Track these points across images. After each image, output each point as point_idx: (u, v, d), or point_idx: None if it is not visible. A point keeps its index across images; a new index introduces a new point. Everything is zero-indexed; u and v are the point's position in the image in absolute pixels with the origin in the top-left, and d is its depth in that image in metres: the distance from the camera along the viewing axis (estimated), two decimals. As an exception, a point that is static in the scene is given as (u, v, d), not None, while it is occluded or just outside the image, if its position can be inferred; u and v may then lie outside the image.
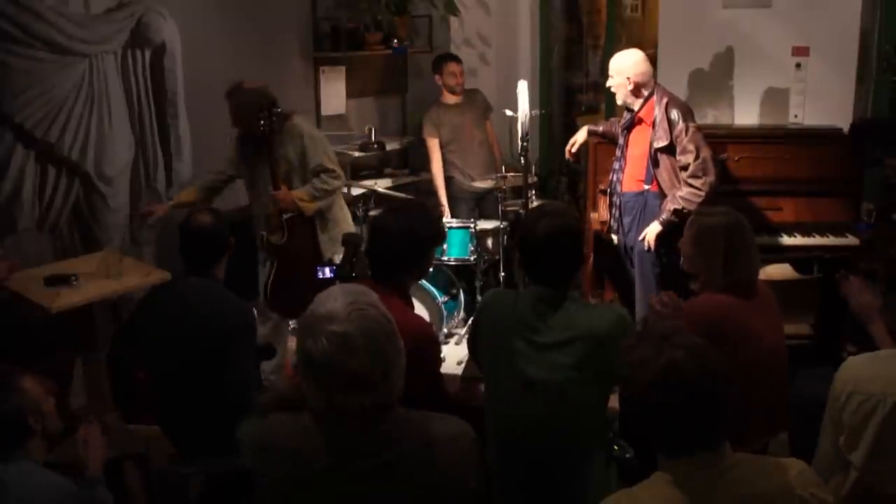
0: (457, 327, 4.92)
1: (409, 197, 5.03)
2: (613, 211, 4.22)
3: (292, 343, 4.10)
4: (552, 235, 2.44)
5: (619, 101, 4.15)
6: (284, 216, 3.98)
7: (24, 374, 2.29)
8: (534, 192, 4.97)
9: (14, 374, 2.27)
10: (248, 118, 3.88)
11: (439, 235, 2.71)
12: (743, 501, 1.64)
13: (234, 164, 4.13)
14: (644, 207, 4.09)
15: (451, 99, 5.42)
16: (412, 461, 1.71)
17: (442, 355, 3.23)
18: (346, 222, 4.29)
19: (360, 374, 1.62)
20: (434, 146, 5.43)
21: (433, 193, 5.57)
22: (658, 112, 3.96)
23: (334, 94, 5.58)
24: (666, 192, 3.97)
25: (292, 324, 4.37)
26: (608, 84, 4.15)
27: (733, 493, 1.64)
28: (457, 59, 5.44)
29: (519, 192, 4.82)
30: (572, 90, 6.86)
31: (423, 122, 5.50)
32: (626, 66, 4.04)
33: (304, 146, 3.98)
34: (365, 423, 1.68)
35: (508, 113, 4.67)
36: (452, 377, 3.42)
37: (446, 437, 1.77)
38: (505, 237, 4.89)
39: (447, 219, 5.26)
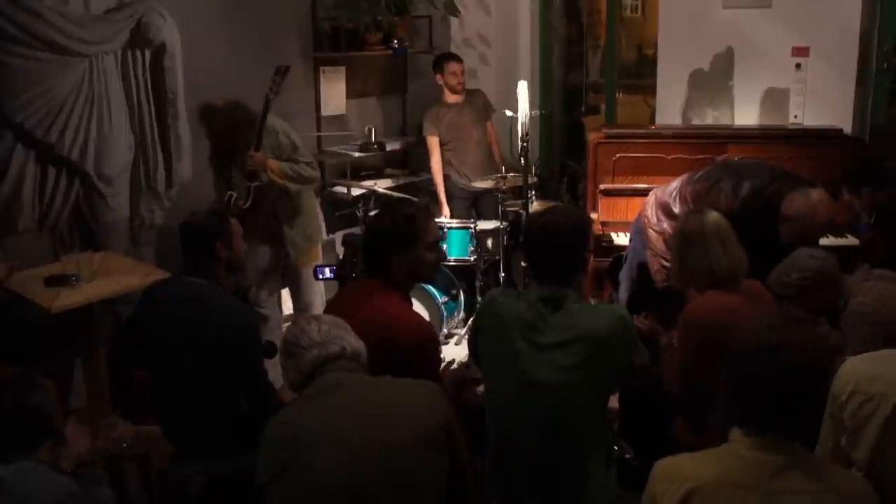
0: (457, 327, 4.92)
1: (399, 195, 5.03)
2: None
3: None
4: (555, 235, 2.44)
5: None
6: (252, 184, 3.97)
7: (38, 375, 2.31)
8: (534, 192, 4.96)
9: (34, 374, 2.29)
10: (242, 131, 3.90)
11: (400, 237, 2.57)
12: (799, 494, 1.65)
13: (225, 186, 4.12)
14: None
15: (451, 98, 5.42)
16: (375, 403, 1.99)
17: (442, 356, 3.23)
18: (315, 219, 4.38)
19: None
20: (434, 144, 5.44)
21: (432, 193, 5.58)
22: None
23: (334, 94, 5.58)
24: None
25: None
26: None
27: (793, 483, 1.66)
28: (457, 59, 5.44)
29: (519, 192, 4.82)
30: (572, 90, 6.86)
31: (423, 121, 5.51)
32: None
33: (280, 142, 4.03)
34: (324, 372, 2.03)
35: (508, 113, 4.67)
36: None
37: (413, 384, 2.07)
38: (505, 237, 4.89)
39: (447, 219, 5.26)
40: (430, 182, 5.69)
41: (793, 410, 1.69)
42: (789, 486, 1.66)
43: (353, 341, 2.09)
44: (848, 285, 2.96)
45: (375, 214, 2.70)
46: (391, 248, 2.56)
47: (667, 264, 3.56)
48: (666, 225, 3.70)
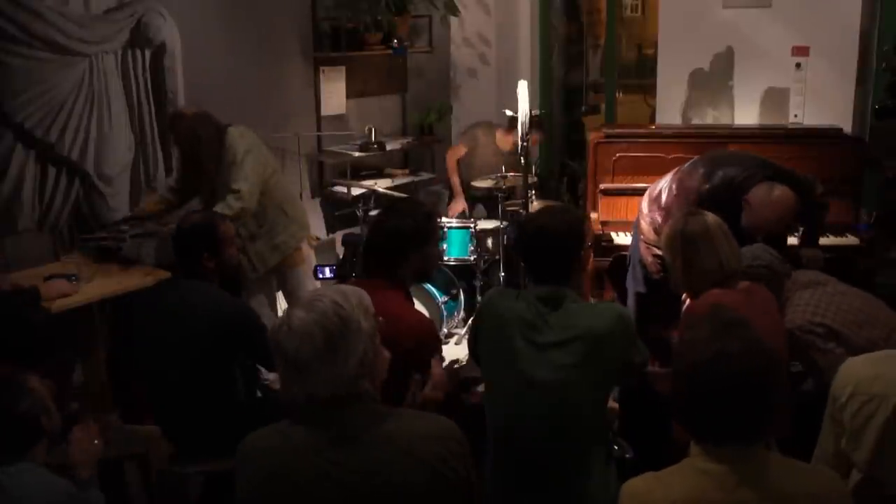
0: (457, 327, 4.91)
1: (404, 195, 5.03)
2: None
3: None
4: (551, 235, 2.45)
5: None
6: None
7: (29, 374, 2.29)
8: (534, 192, 4.96)
9: (22, 375, 2.27)
10: (202, 145, 3.84)
11: (413, 234, 2.60)
12: (767, 500, 1.64)
13: (186, 185, 4.09)
14: None
15: (502, 144, 5.38)
16: (379, 459, 1.72)
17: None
18: (284, 228, 4.15)
19: (292, 356, 1.70)
20: (458, 152, 5.49)
21: (432, 193, 5.57)
22: None
23: (334, 94, 5.58)
24: None
25: None
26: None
27: (760, 490, 1.64)
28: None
29: (519, 192, 4.81)
30: (572, 90, 6.86)
31: (468, 131, 5.52)
32: None
33: (230, 163, 3.86)
34: (319, 416, 1.72)
35: (508, 113, 4.67)
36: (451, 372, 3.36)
37: (422, 436, 1.77)
38: (505, 237, 4.89)
39: (446, 219, 5.26)
40: (431, 181, 5.71)
41: (743, 418, 1.66)
42: (753, 495, 1.64)
43: (350, 359, 1.72)
44: (785, 293, 3.00)
45: (389, 215, 2.66)
46: (410, 246, 2.58)
47: (658, 252, 3.67)
48: (657, 215, 3.78)
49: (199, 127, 3.82)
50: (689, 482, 1.68)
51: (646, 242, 3.88)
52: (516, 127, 4.94)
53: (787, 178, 3.53)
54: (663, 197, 3.78)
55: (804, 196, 3.55)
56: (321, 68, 5.47)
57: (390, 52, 5.63)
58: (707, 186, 3.57)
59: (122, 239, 3.80)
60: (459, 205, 5.48)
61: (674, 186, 3.73)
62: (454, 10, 5.79)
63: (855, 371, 2.12)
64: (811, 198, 3.68)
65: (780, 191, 3.42)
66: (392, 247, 2.58)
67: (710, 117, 5.09)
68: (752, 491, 1.64)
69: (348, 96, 5.67)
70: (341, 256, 5.22)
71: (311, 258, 4.47)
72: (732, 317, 1.76)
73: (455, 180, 5.53)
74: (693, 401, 1.68)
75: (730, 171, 3.59)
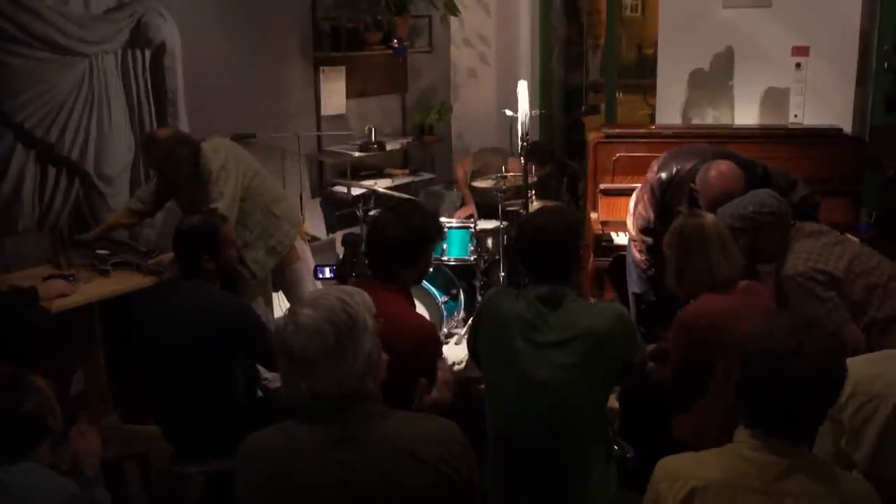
0: (457, 327, 4.92)
1: (407, 196, 5.03)
2: None
3: None
4: (548, 236, 2.45)
5: None
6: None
7: (33, 374, 2.29)
8: (534, 192, 4.97)
9: (28, 374, 2.27)
10: (179, 167, 3.84)
11: (436, 233, 2.67)
12: (803, 498, 1.66)
13: (161, 198, 4.10)
14: None
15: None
16: (382, 459, 1.71)
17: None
18: (276, 230, 4.15)
19: (299, 354, 1.68)
20: (468, 165, 5.52)
21: (433, 193, 5.57)
22: None
23: (334, 94, 5.58)
24: None
25: None
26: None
27: (799, 487, 1.66)
28: None
29: (519, 192, 4.82)
30: (572, 90, 6.86)
31: (478, 153, 5.57)
32: None
33: (206, 180, 3.85)
34: (325, 414, 1.72)
35: (508, 113, 4.67)
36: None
37: (425, 437, 1.76)
38: (505, 237, 4.89)
39: (446, 218, 5.26)
40: (431, 181, 5.69)
41: (803, 416, 1.69)
42: (793, 489, 1.66)
43: (358, 357, 1.72)
44: (790, 240, 3.02)
45: (402, 216, 2.63)
46: (424, 247, 2.60)
47: (640, 245, 3.85)
48: (632, 209, 3.96)
49: (173, 150, 3.81)
50: (729, 465, 1.70)
51: (631, 239, 4.00)
52: (530, 158, 4.85)
53: (751, 170, 3.56)
54: (639, 190, 3.94)
55: (781, 194, 3.56)
56: (321, 68, 5.47)
57: (390, 52, 5.63)
58: (658, 178, 3.74)
59: (105, 271, 3.80)
60: (467, 210, 5.47)
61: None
62: (454, 10, 5.79)
63: (854, 371, 2.11)
64: (788, 198, 3.68)
65: (721, 167, 3.47)
66: (413, 247, 2.58)
67: (710, 117, 5.10)
68: (791, 485, 1.66)
69: (348, 96, 5.67)
70: (341, 256, 5.22)
71: (307, 252, 4.47)
72: (816, 319, 1.78)
73: (466, 191, 5.54)
74: (760, 387, 1.69)
75: (681, 163, 3.71)
